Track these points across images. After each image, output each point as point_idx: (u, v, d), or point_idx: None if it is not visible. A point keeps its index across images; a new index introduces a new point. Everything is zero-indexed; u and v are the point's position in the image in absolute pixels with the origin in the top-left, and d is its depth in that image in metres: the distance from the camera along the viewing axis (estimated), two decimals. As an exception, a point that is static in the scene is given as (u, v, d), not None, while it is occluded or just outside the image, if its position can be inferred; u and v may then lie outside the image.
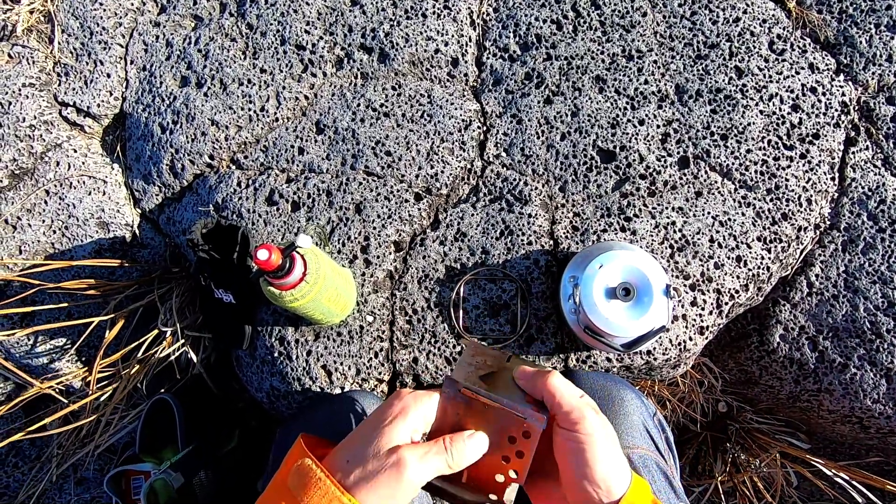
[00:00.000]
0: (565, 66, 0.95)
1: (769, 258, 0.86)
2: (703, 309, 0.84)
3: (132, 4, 1.10)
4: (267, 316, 0.88)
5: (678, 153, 0.89)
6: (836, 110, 0.91)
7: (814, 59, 0.93)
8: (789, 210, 0.87)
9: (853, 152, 0.91)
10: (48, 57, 1.09)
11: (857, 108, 0.93)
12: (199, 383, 0.97)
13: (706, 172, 0.88)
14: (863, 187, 0.90)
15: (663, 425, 0.77)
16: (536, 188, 0.89)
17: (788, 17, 0.96)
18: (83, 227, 1.01)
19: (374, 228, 0.88)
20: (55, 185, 1.02)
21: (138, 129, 1.04)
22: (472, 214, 0.89)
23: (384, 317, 0.86)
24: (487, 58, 0.98)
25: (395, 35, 0.98)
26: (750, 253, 0.85)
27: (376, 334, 0.85)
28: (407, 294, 0.86)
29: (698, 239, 0.85)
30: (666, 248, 0.85)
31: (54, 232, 1.01)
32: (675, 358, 0.84)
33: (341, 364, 0.85)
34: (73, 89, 1.07)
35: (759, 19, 0.95)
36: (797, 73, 0.92)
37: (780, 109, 0.90)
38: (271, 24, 1.02)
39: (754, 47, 0.93)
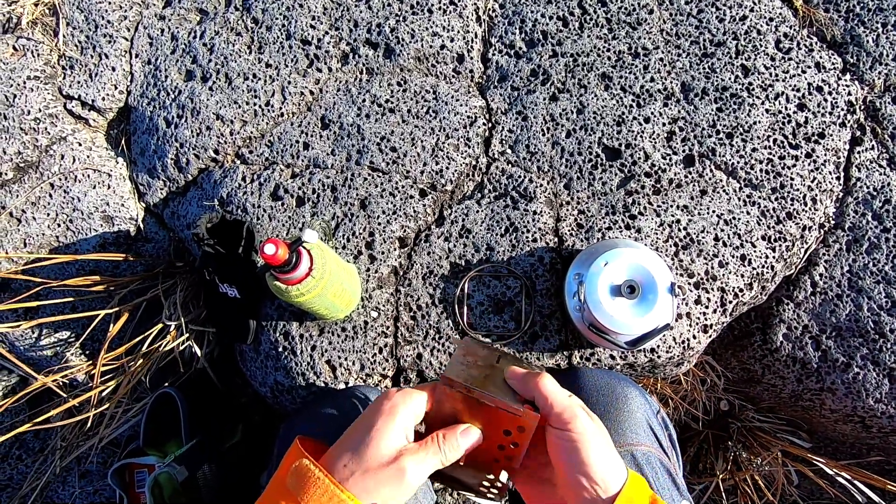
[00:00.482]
0: (571, 63, 0.95)
1: (773, 257, 0.86)
2: (707, 307, 0.84)
3: (137, -2, 1.10)
4: (271, 310, 0.88)
5: (683, 151, 0.89)
6: (842, 110, 0.91)
7: (820, 58, 0.93)
8: (794, 209, 0.87)
9: (859, 152, 0.91)
10: (53, 50, 1.09)
11: (863, 107, 0.93)
12: (203, 377, 0.97)
13: (711, 171, 0.88)
14: (868, 187, 0.90)
15: (666, 423, 0.77)
16: (541, 185, 0.89)
17: (795, 16, 0.96)
18: (88, 220, 1.01)
19: (379, 224, 0.88)
20: (60, 179, 1.02)
21: (143, 123, 1.04)
22: (477, 211, 0.89)
23: (388, 312, 0.86)
24: (493, 54, 0.98)
25: (401, 30, 0.98)
26: (754, 252, 0.85)
27: (381, 330, 0.85)
28: (411, 290, 0.86)
29: (703, 237, 0.85)
30: (671, 246, 0.85)
31: (59, 225, 1.01)
32: (678, 356, 0.84)
33: (345, 359, 0.85)
34: (78, 82, 1.07)
35: (765, 17, 0.94)
36: (803, 71, 0.92)
37: (786, 108, 0.90)
38: (277, 19, 1.02)
39: (761, 46, 0.93)
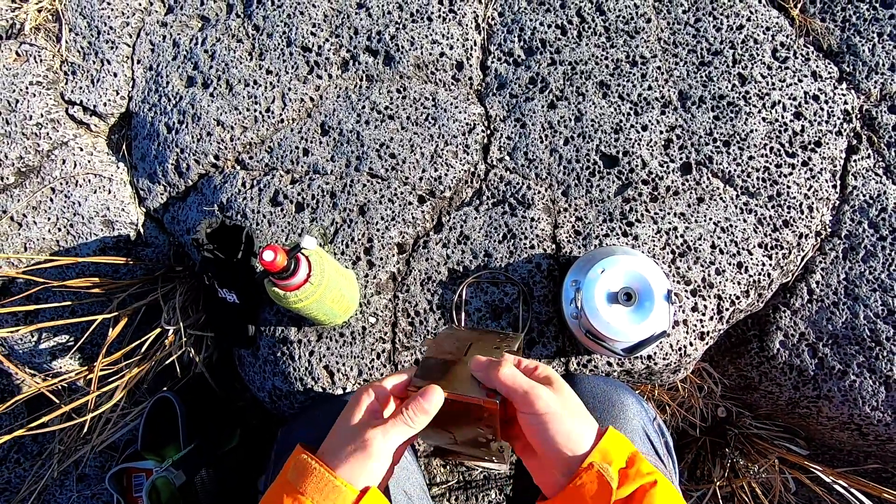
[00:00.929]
0: (569, 70, 0.95)
1: (770, 265, 0.86)
2: (703, 314, 0.84)
3: (139, 4, 1.11)
4: (270, 316, 0.88)
5: (681, 159, 0.90)
6: (839, 118, 0.91)
7: (816, 67, 0.94)
8: (791, 217, 0.88)
9: (855, 160, 0.92)
10: (55, 55, 1.09)
11: (859, 116, 0.93)
12: (201, 382, 0.98)
13: (708, 178, 0.89)
14: (864, 195, 0.90)
15: (663, 430, 0.78)
16: (539, 192, 0.90)
17: (792, 26, 0.97)
18: (88, 225, 1.01)
19: (378, 230, 0.89)
20: (61, 183, 1.02)
21: (144, 129, 1.05)
22: (475, 217, 0.89)
23: (387, 318, 0.86)
24: (492, 62, 0.98)
25: (401, 38, 0.99)
26: (751, 259, 0.86)
27: (379, 336, 0.86)
28: (409, 296, 0.87)
29: (700, 245, 0.86)
30: (668, 253, 0.86)
31: (59, 229, 1.01)
32: (675, 363, 0.84)
33: (343, 365, 0.85)
34: (80, 88, 1.08)
35: (762, 27, 0.95)
36: (800, 80, 0.93)
37: (783, 117, 0.91)
38: (278, 26, 1.03)
39: (757, 55, 0.94)
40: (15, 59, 1.09)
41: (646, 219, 0.87)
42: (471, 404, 0.53)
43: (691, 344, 0.84)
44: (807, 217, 0.88)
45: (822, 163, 0.90)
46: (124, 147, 1.07)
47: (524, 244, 0.87)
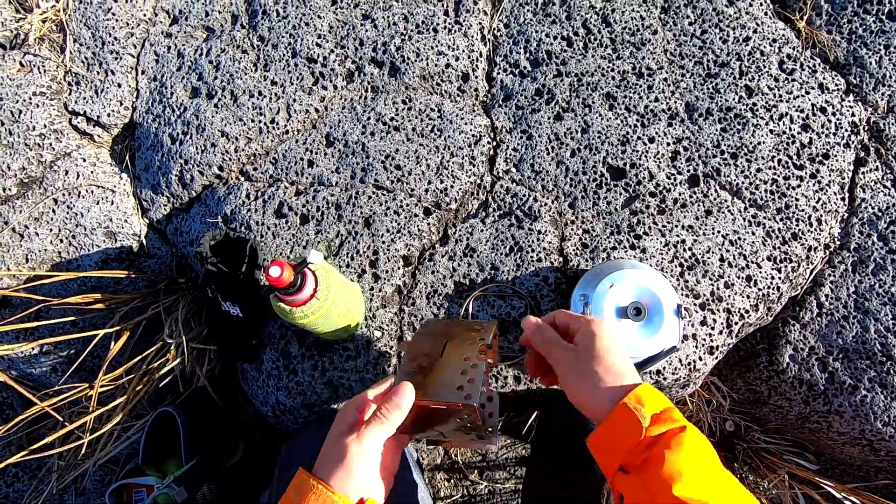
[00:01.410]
0: (575, 82, 0.95)
1: (779, 278, 0.85)
2: (713, 328, 0.83)
3: (144, 15, 1.11)
4: (274, 329, 0.87)
5: (688, 171, 0.89)
6: (846, 130, 0.91)
7: (823, 79, 0.93)
8: (799, 230, 0.87)
9: (863, 172, 0.91)
10: (59, 66, 1.09)
11: (866, 128, 0.93)
12: (204, 396, 0.96)
13: (716, 191, 0.88)
14: (873, 208, 0.90)
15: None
16: (546, 204, 0.89)
17: (798, 37, 0.96)
18: (90, 236, 1.01)
19: (383, 243, 0.88)
20: (63, 194, 1.02)
21: (148, 140, 1.05)
22: (482, 230, 0.89)
23: (392, 332, 0.85)
24: (498, 73, 0.98)
25: (407, 49, 0.98)
26: (760, 272, 0.85)
27: (384, 350, 0.85)
28: (415, 309, 0.86)
29: (708, 258, 0.85)
30: (676, 266, 0.85)
31: (61, 241, 1.01)
32: (684, 378, 0.83)
33: (348, 379, 0.84)
34: (84, 98, 1.07)
35: (768, 39, 0.95)
36: (807, 92, 0.92)
37: (790, 129, 0.90)
38: (283, 37, 1.03)
39: (764, 66, 0.93)
40: (19, 70, 1.09)
41: (653, 231, 0.86)
42: (451, 409, 0.54)
43: (700, 358, 0.83)
44: (815, 230, 0.88)
45: (830, 175, 0.89)
46: (127, 158, 1.07)
47: (531, 257, 0.86)
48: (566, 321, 0.63)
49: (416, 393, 0.54)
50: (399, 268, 0.88)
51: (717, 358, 0.85)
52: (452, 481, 1.13)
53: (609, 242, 0.86)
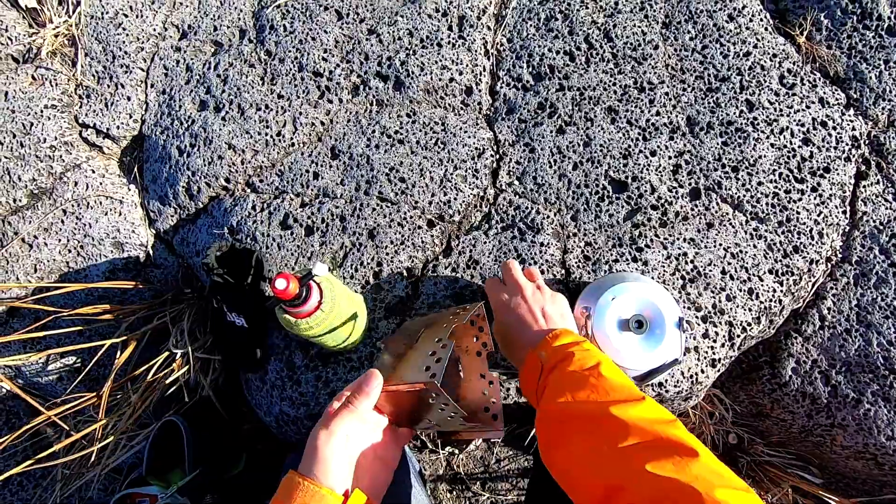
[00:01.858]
0: (578, 96, 0.96)
1: (781, 291, 0.86)
2: (715, 341, 0.84)
3: (154, 30, 1.13)
4: (278, 340, 0.88)
5: (689, 184, 0.90)
6: (847, 144, 0.92)
7: (824, 93, 0.94)
8: (801, 243, 0.87)
9: (864, 186, 0.92)
10: (71, 79, 1.11)
11: (867, 142, 0.94)
12: (208, 406, 0.97)
13: (717, 204, 0.89)
14: (874, 221, 0.90)
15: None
16: (548, 217, 0.90)
17: (798, 52, 0.97)
18: (98, 246, 1.02)
19: (387, 254, 0.89)
20: (72, 205, 1.03)
21: (156, 151, 1.06)
22: (485, 242, 0.89)
23: (395, 343, 0.86)
24: (501, 87, 0.99)
25: (411, 64, 1.00)
26: (762, 285, 0.85)
27: (387, 360, 0.85)
28: (418, 320, 0.86)
29: (710, 271, 0.86)
30: (678, 279, 0.86)
31: (70, 251, 1.02)
32: (686, 390, 0.84)
33: (351, 390, 0.85)
34: (94, 111, 1.09)
35: (769, 54, 0.96)
36: (807, 106, 0.93)
37: (791, 143, 0.91)
38: (289, 51, 1.04)
39: (765, 81, 0.94)
40: (31, 83, 1.11)
41: (655, 244, 0.87)
42: (419, 391, 0.55)
43: (703, 371, 0.83)
44: (817, 243, 0.88)
45: (831, 188, 0.90)
46: (136, 169, 1.08)
47: (533, 269, 0.87)
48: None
49: (385, 381, 0.55)
50: (402, 279, 0.88)
51: (719, 371, 0.85)
52: (455, 493, 1.13)
53: (611, 255, 0.87)
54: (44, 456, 0.87)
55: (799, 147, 0.91)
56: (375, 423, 0.59)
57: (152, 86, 1.10)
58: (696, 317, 0.84)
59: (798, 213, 0.88)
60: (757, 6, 1.00)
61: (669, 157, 0.92)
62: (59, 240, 1.02)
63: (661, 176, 0.91)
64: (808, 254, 0.87)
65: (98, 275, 1.01)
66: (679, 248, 0.87)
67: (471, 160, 0.94)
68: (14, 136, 1.07)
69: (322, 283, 0.67)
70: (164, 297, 1.01)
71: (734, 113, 0.93)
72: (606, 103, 0.95)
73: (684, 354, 0.81)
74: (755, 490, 1.02)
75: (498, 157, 0.95)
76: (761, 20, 0.99)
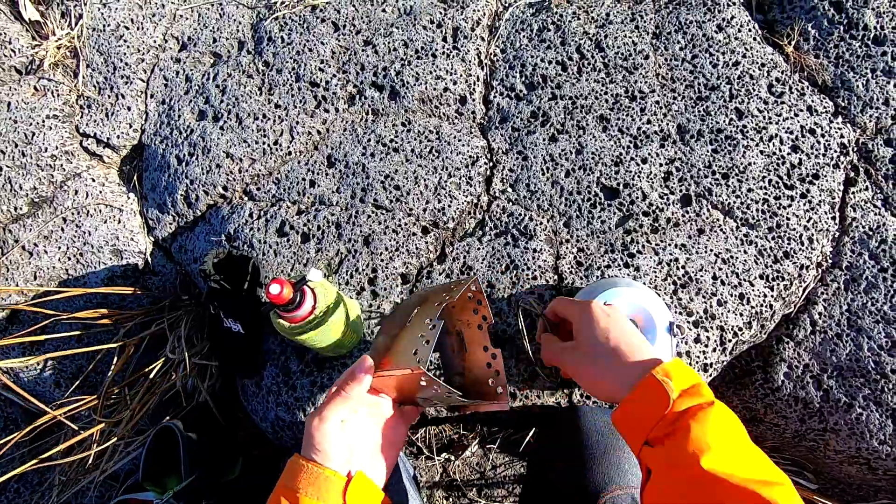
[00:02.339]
0: (570, 105, 0.98)
1: (772, 296, 0.87)
2: (706, 346, 0.84)
3: (155, 42, 1.15)
4: (274, 346, 0.89)
5: (680, 191, 0.91)
6: (836, 151, 0.93)
7: (812, 101, 0.96)
8: (791, 248, 0.88)
9: (853, 192, 0.93)
10: (72, 90, 1.13)
11: (855, 149, 0.95)
12: (205, 411, 0.98)
13: (708, 210, 0.90)
14: (863, 227, 0.91)
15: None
16: (541, 223, 0.91)
17: (786, 62, 0.99)
18: (97, 254, 1.03)
19: (382, 261, 0.90)
20: (72, 213, 1.04)
21: (155, 160, 1.08)
22: (479, 248, 0.90)
23: (390, 348, 0.87)
24: (494, 96, 1.01)
25: (406, 74, 1.02)
26: (752, 290, 0.86)
27: (382, 366, 0.86)
28: (413, 326, 0.87)
29: (701, 276, 0.87)
30: (669, 284, 0.86)
31: (69, 258, 1.03)
32: (679, 395, 0.84)
33: (346, 395, 0.85)
34: (95, 121, 1.11)
35: (757, 63, 0.98)
36: (796, 115, 0.95)
37: (780, 150, 0.92)
38: (287, 62, 1.06)
39: (754, 90, 0.96)
40: (33, 94, 1.13)
41: (647, 250, 0.88)
42: (409, 375, 0.55)
43: (695, 376, 0.84)
44: (807, 248, 0.89)
45: (820, 195, 0.91)
46: (135, 178, 1.10)
47: (526, 275, 0.88)
48: (562, 312, 0.67)
49: (378, 366, 0.56)
50: (397, 285, 0.89)
51: (711, 375, 0.86)
52: (451, 499, 1.13)
53: (603, 261, 0.88)
54: (45, 457, 0.88)
55: (788, 154, 0.92)
56: (374, 404, 0.59)
57: (152, 96, 1.12)
58: (688, 321, 0.85)
59: (788, 219, 0.90)
60: (745, 17, 1.02)
61: (660, 165, 0.93)
62: (59, 247, 1.03)
63: (653, 183, 0.92)
64: (798, 259, 0.88)
65: (97, 282, 1.02)
66: (670, 254, 0.88)
67: (465, 168, 0.95)
68: (16, 146, 1.08)
69: (316, 289, 0.68)
70: (162, 303, 1.02)
71: (724, 121, 0.94)
72: (598, 112, 0.97)
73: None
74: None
75: (491, 164, 0.97)
76: (750, 30, 1.00)
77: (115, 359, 0.94)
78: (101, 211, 1.05)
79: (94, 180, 1.08)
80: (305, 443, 0.55)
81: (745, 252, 0.88)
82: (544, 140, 0.96)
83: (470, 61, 1.03)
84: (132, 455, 0.97)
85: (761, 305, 0.86)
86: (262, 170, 1.01)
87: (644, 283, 0.86)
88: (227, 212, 0.99)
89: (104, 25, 1.16)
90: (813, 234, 0.89)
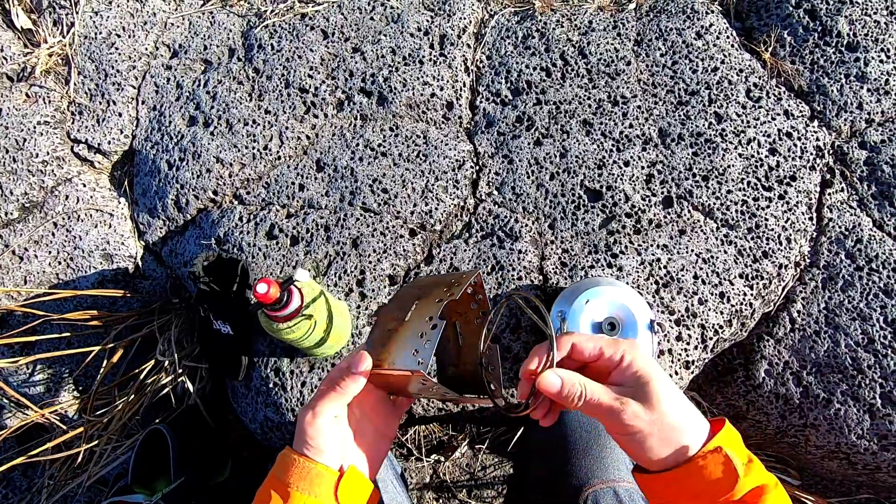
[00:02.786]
0: (554, 110, 1.00)
1: (751, 294, 0.89)
2: (688, 344, 0.86)
3: (146, 49, 1.17)
4: (263, 347, 0.90)
5: (662, 193, 0.94)
6: (812, 154, 0.96)
7: (788, 106, 0.99)
8: (770, 248, 0.91)
9: (829, 193, 0.95)
10: (63, 97, 1.14)
11: (831, 152, 0.98)
12: (194, 413, 0.98)
13: (689, 211, 0.92)
14: (840, 227, 0.94)
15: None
16: (527, 225, 0.93)
17: (764, 67, 1.02)
18: (88, 258, 1.04)
19: (370, 263, 0.92)
20: (63, 218, 1.05)
21: (146, 165, 1.09)
22: (465, 250, 0.92)
23: (378, 349, 0.88)
24: (480, 102, 1.03)
25: (394, 80, 1.04)
26: (733, 289, 0.88)
27: (370, 366, 0.87)
28: (400, 327, 0.89)
29: (682, 275, 0.89)
30: (651, 283, 0.88)
31: (59, 263, 1.04)
32: (661, 392, 0.86)
33: (335, 395, 0.86)
34: (86, 127, 1.12)
35: (735, 69, 1.01)
36: (773, 118, 0.97)
37: (758, 153, 0.95)
38: (277, 69, 1.08)
39: (732, 95, 0.99)
40: (25, 101, 1.14)
41: (630, 250, 0.90)
42: (406, 375, 0.53)
43: (677, 373, 0.85)
44: (785, 248, 0.91)
45: (797, 196, 0.93)
46: (126, 183, 1.11)
47: (512, 275, 0.89)
48: (594, 352, 0.50)
49: (375, 362, 0.53)
50: (385, 286, 0.91)
51: (693, 373, 0.87)
52: (441, 501, 1.13)
53: (587, 261, 0.90)
54: (33, 454, 0.88)
55: (766, 157, 0.95)
56: (367, 397, 0.58)
57: (143, 102, 1.13)
58: (670, 320, 0.87)
59: (766, 219, 0.92)
60: (724, 24, 1.05)
61: (642, 167, 0.95)
62: (50, 252, 1.04)
63: (635, 185, 0.94)
64: (777, 259, 0.91)
65: (87, 286, 1.03)
66: (653, 254, 0.90)
67: (451, 171, 0.97)
68: (7, 152, 1.09)
69: (304, 289, 0.70)
70: (153, 306, 1.03)
71: (704, 125, 0.97)
72: (581, 116, 0.99)
73: (658, 356, 0.84)
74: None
75: (478, 168, 0.98)
76: (728, 37, 1.03)
77: (105, 361, 0.95)
78: (91, 216, 1.06)
79: (84, 185, 1.08)
80: (297, 437, 0.54)
81: (726, 252, 0.90)
82: (529, 144, 0.98)
83: (456, 68, 1.05)
84: (121, 459, 0.97)
85: (741, 304, 0.88)
86: (251, 174, 1.02)
87: (627, 283, 0.87)
88: (217, 216, 1.00)
89: (96, 33, 1.17)
90: (791, 235, 0.92)
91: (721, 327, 0.87)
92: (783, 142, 0.96)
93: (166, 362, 0.94)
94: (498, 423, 1.10)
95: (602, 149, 0.97)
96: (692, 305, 0.87)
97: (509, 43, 1.06)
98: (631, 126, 0.98)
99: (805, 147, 0.96)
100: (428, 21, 1.08)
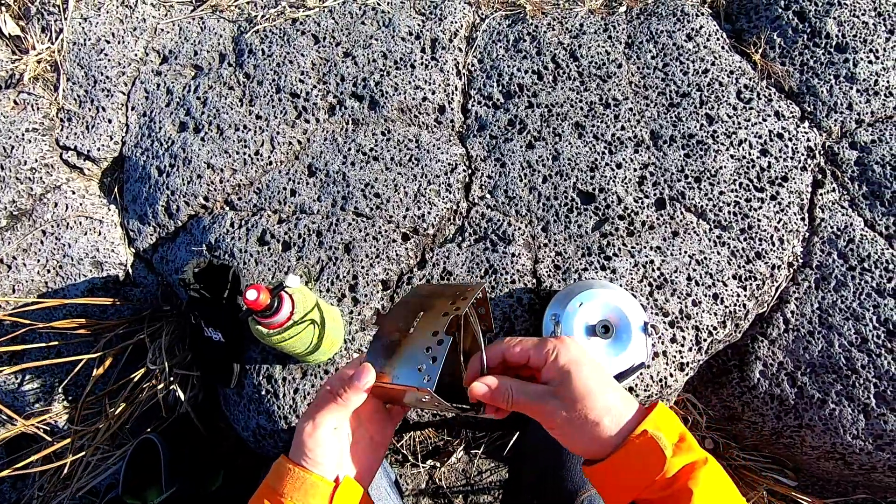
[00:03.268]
0: (546, 113, 1.00)
1: (745, 295, 0.89)
2: (682, 345, 0.86)
3: (136, 55, 1.16)
4: (255, 354, 0.89)
5: (655, 195, 0.93)
6: (803, 154, 0.96)
7: (779, 107, 0.99)
8: (762, 249, 0.91)
9: (821, 194, 0.96)
10: (52, 104, 1.13)
11: (822, 152, 0.98)
12: (186, 422, 0.97)
13: (682, 213, 0.92)
14: (832, 227, 0.94)
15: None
16: (520, 228, 0.93)
17: (754, 69, 1.02)
18: (77, 266, 1.03)
19: (363, 268, 0.91)
20: (52, 226, 1.04)
21: (136, 172, 1.08)
22: (458, 254, 0.92)
23: (371, 354, 0.87)
24: (472, 105, 1.03)
25: (385, 84, 1.04)
26: (726, 291, 0.88)
27: (363, 372, 0.86)
28: (394, 332, 0.88)
29: (676, 277, 0.88)
30: (645, 286, 0.88)
31: (48, 271, 1.03)
32: (656, 394, 0.85)
33: (328, 402, 0.85)
34: (75, 134, 1.11)
35: (726, 70, 1.01)
36: (764, 119, 0.97)
37: (750, 154, 0.95)
38: (267, 74, 1.08)
39: (723, 96, 0.99)
40: (13, 108, 1.13)
41: (623, 253, 0.90)
42: (409, 389, 0.52)
43: (671, 375, 0.85)
44: (778, 249, 0.91)
45: (789, 197, 0.94)
46: (116, 190, 1.10)
47: (505, 279, 0.89)
48: (523, 356, 0.53)
49: (378, 375, 0.52)
50: (378, 291, 0.90)
51: (687, 374, 0.87)
52: (436, 507, 1.12)
53: (580, 264, 0.90)
54: (23, 465, 0.86)
55: (757, 158, 0.95)
56: (365, 408, 0.57)
57: (133, 108, 1.13)
58: (664, 322, 0.86)
59: (759, 220, 0.92)
60: (714, 27, 1.05)
61: (635, 170, 0.95)
62: (38, 260, 1.03)
63: (627, 187, 0.94)
64: (770, 259, 0.91)
65: (77, 294, 1.01)
66: (646, 256, 0.90)
67: (444, 175, 0.97)
68: (-5, 159, 1.08)
69: (295, 295, 0.69)
70: (143, 314, 1.02)
71: (695, 126, 0.97)
72: (573, 119, 0.99)
73: (653, 358, 0.84)
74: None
75: (470, 171, 0.98)
76: (718, 40, 1.04)
77: (94, 370, 0.94)
78: (81, 223, 1.05)
79: (74, 192, 1.07)
80: (295, 447, 0.53)
81: (719, 253, 0.90)
82: (521, 147, 0.98)
83: (448, 71, 1.05)
84: (111, 470, 0.96)
85: (735, 305, 0.88)
86: (243, 180, 1.02)
87: (621, 286, 0.87)
88: (208, 222, 1.00)
89: (85, 39, 1.16)
90: (783, 235, 0.92)
91: (715, 329, 0.87)
92: (774, 143, 0.96)
93: (157, 370, 0.93)
94: (493, 427, 1.10)
95: (594, 151, 0.96)
96: (686, 307, 0.87)
97: (501, 46, 1.06)
98: (623, 128, 0.98)
99: (796, 148, 0.96)
100: (419, 25, 1.08)
